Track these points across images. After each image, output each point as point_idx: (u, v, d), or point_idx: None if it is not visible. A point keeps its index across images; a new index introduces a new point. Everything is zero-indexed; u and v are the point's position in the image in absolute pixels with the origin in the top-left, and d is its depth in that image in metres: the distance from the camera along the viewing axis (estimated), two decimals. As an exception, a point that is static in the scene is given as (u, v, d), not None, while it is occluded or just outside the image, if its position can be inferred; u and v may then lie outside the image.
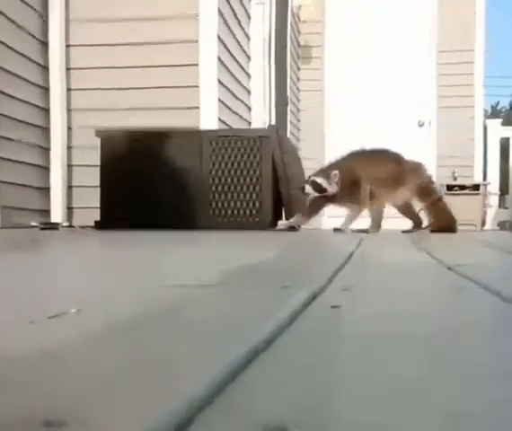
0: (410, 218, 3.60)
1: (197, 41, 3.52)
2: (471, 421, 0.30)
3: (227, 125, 3.81)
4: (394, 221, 4.58)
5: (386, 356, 0.45)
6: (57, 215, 3.60)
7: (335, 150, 6.31)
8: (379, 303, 0.75)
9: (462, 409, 0.32)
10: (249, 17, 4.47)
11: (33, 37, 3.43)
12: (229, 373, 0.37)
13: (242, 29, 4.30)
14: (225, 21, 3.80)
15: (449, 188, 5.91)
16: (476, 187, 5.85)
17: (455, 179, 6.09)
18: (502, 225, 5.89)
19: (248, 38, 4.47)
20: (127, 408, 0.31)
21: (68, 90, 3.65)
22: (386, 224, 4.50)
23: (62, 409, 0.30)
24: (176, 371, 0.39)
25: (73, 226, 3.57)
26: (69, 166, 3.68)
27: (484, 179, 6.23)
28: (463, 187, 5.85)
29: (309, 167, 3.74)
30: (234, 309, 0.69)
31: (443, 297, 0.84)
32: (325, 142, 6.51)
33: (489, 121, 6.69)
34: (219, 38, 3.62)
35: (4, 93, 3.12)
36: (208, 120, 3.52)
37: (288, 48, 5.79)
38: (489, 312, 0.71)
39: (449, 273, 1.13)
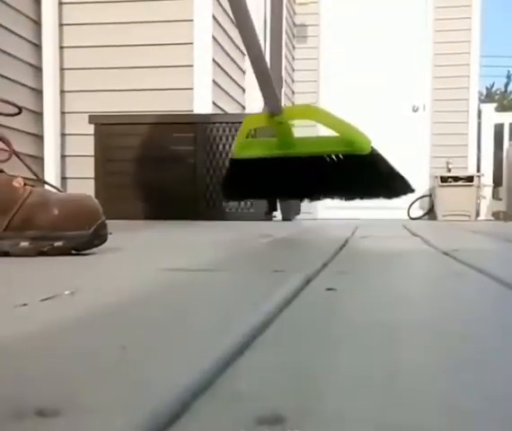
0: None
1: (192, 21, 3.50)
2: (472, 415, 0.30)
3: (221, 108, 3.79)
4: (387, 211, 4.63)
5: (386, 341, 0.44)
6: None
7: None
8: (375, 286, 0.75)
9: (463, 402, 0.32)
10: None
11: (26, 16, 3.39)
12: (224, 360, 0.37)
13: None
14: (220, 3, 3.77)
15: (443, 179, 5.94)
16: (470, 178, 5.89)
17: (449, 170, 6.11)
18: (496, 216, 5.94)
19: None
20: (121, 394, 0.30)
21: (62, 70, 3.63)
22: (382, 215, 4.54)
23: (55, 396, 0.29)
24: (171, 356, 0.38)
25: None
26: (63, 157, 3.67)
27: (478, 170, 6.26)
28: (456, 178, 5.88)
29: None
30: (228, 293, 0.69)
31: (440, 282, 0.84)
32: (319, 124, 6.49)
33: (483, 106, 6.70)
34: (214, 17, 3.60)
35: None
36: (202, 103, 3.50)
37: (284, 28, 5.76)
38: (487, 296, 0.71)
39: (445, 258, 1.13)
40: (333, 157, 1.38)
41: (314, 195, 1.42)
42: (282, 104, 1.47)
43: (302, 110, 1.52)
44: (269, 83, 1.40)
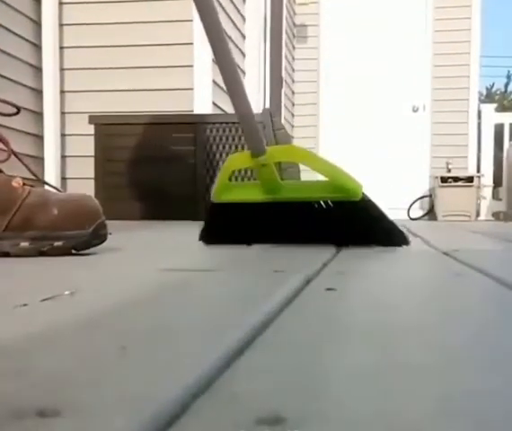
0: None
1: (192, 21, 3.50)
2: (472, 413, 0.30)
3: (221, 108, 3.78)
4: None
5: (386, 341, 0.44)
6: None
7: (329, 135, 6.35)
8: (375, 286, 0.75)
9: (462, 399, 0.32)
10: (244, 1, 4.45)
11: (26, 16, 3.39)
12: (224, 360, 0.37)
13: (238, 10, 4.27)
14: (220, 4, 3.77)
15: (443, 179, 5.94)
16: (470, 179, 5.89)
17: (449, 170, 6.11)
18: (496, 216, 5.94)
19: (243, 18, 4.43)
20: (121, 394, 0.30)
21: (62, 70, 3.63)
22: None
23: (55, 396, 0.29)
24: (171, 356, 0.38)
25: None
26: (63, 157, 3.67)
27: (478, 170, 6.25)
28: (456, 179, 5.88)
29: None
30: (228, 293, 0.69)
31: (440, 282, 0.84)
32: (319, 125, 6.49)
33: (483, 106, 6.70)
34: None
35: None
36: (202, 103, 3.50)
37: (284, 28, 5.76)
38: (487, 296, 0.71)
39: (445, 258, 1.13)
40: (321, 203, 1.28)
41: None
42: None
43: (287, 151, 1.40)
44: (250, 119, 1.28)
